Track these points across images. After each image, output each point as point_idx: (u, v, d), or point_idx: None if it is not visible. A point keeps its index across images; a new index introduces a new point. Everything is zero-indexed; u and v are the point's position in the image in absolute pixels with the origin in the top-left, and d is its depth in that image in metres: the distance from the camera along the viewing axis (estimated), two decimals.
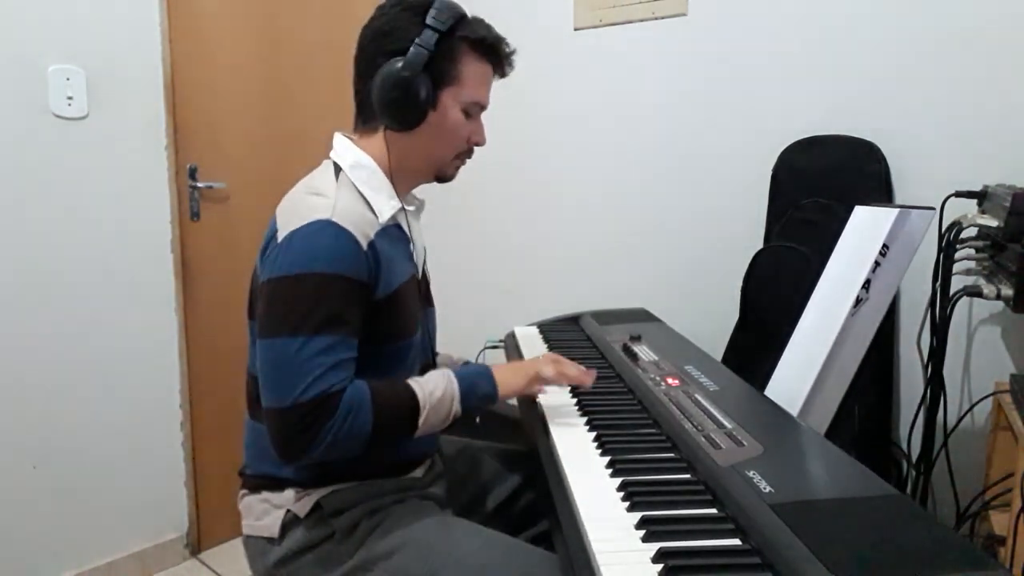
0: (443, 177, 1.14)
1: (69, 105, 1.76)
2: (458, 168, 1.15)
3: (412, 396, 0.98)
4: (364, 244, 0.98)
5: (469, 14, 1.08)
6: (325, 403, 0.91)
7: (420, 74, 1.01)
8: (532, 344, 1.53)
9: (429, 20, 1.01)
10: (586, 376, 1.13)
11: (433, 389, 1.00)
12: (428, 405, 0.99)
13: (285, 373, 0.92)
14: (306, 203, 0.99)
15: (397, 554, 0.98)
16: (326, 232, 0.95)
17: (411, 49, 1.00)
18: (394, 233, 1.08)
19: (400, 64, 1.00)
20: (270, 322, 0.94)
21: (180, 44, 1.97)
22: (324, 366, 0.92)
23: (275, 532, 1.04)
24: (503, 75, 1.13)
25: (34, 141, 1.72)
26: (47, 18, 1.72)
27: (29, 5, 1.69)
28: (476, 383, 1.05)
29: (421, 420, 0.98)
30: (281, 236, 0.97)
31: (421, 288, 1.17)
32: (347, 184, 1.04)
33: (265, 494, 1.07)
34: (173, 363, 2.02)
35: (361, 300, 0.98)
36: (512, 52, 1.10)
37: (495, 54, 1.08)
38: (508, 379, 1.07)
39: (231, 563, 2.08)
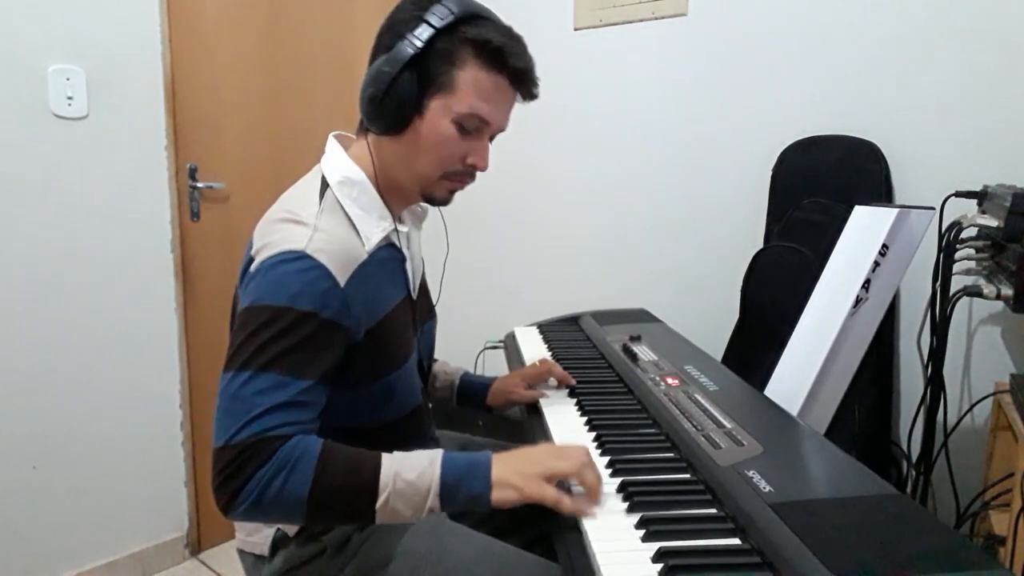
0: (431, 198, 1.00)
1: (69, 105, 1.76)
2: (451, 192, 1.01)
3: (374, 469, 0.81)
4: (342, 280, 0.89)
5: (491, 16, 0.94)
6: (258, 446, 0.78)
7: (404, 72, 0.89)
8: (532, 344, 1.54)
9: (428, 15, 0.90)
10: (595, 497, 0.84)
11: (404, 470, 0.82)
12: (390, 487, 0.81)
13: (226, 410, 0.81)
14: (283, 231, 0.90)
15: (389, 566, 0.96)
16: (296, 265, 0.86)
17: (399, 43, 0.90)
18: (384, 255, 0.99)
19: (383, 59, 0.91)
20: (229, 354, 0.85)
21: (180, 44, 1.97)
22: (265, 406, 0.80)
23: (265, 551, 1.02)
24: (528, 95, 0.97)
25: (34, 141, 1.72)
26: (47, 18, 1.72)
27: (29, 5, 1.68)
28: (464, 480, 0.83)
29: (379, 503, 0.80)
30: (256, 264, 0.89)
31: (417, 306, 1.12)
32: (332, 205, 0.94)
33: None
34: (173, 363, 2.02)
35: (329, 339, 0.88)
36: (527, 67, 0.94)
37: (502, 63, 0.92)
38: (510, 479, 0.82)
39: (231, 563, 2.08)
